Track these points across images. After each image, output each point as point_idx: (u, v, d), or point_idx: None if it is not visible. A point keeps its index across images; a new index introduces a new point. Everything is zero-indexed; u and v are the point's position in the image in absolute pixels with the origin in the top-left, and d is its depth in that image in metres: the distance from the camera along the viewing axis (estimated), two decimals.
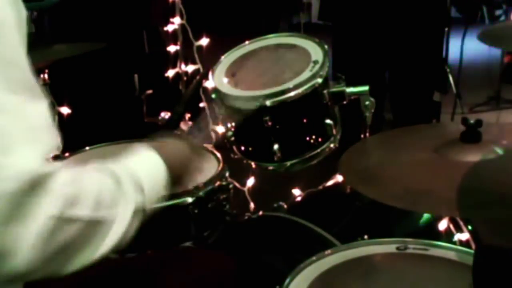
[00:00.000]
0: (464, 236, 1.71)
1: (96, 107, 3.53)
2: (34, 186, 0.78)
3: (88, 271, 1.36)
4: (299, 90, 1.59)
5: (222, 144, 1.86)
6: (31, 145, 0.80)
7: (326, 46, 1.69)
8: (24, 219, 0.78)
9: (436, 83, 3.48)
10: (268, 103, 1.57)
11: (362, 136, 1.70)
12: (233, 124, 1.69)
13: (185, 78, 2.64)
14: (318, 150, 1.67)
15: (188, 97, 1.87)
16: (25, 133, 0.80)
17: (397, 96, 3.10)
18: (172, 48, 2.65)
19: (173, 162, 1.07)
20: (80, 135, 2.04)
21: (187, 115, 2.07)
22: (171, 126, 1.83)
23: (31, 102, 0.83)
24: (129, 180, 0.94)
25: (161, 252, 1.54)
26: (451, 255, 1.29)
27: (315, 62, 1.64)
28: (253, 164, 1.73)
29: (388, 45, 2.84)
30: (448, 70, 4.64)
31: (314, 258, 1.29)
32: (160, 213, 1.54)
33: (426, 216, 1.76)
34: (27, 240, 0.79)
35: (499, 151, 1.28)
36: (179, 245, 1.60)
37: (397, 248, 1.32)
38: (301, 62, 1.66)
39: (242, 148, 1.71)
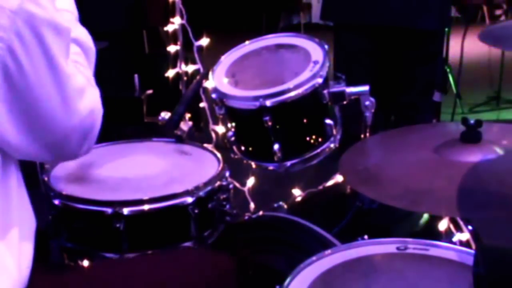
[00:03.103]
0: (464, 236, 1.70)
1: None
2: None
3: (88, 272, 1.37)
4: (299, 90, 1.58)
5: (222, 144, 1.86)
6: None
7: (326, 46, 1.69)
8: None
9: (436, 83, 3.47)
10: (268, 103, 1.57)
11: (362, 136, 1.70)
12: (233, 124, 1.69)
13: (185, 78, 2.64)
14: (318, 150, 1.67)
15: (188, 97, 1.87)
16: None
17: (397, 96, 3.10)
18: (172, 48, 2.65)
19: None
20: None
21: (187, 115, 2.07)
22: (171, 126, 1.83)
23: None
24: None
25: (160, 252, 1.54)
26: (451, 255, 1.29)
27: (315, 62, 1.64)
28: (253, 164, 1.73)
29: (389, 45, 2.84)
30: (448, 70, 4.65)
31: (314, 258, 1.29)
32: (160, 213, 1.55)
33: (426, 216, 1.76)
34: None
35: (499, 151, 1.28)
36: (179, 245, 1.59)
37: (397, 248, 1.32)
38: (301, 62, 1.66)
39: (242, 148, 1.71)
